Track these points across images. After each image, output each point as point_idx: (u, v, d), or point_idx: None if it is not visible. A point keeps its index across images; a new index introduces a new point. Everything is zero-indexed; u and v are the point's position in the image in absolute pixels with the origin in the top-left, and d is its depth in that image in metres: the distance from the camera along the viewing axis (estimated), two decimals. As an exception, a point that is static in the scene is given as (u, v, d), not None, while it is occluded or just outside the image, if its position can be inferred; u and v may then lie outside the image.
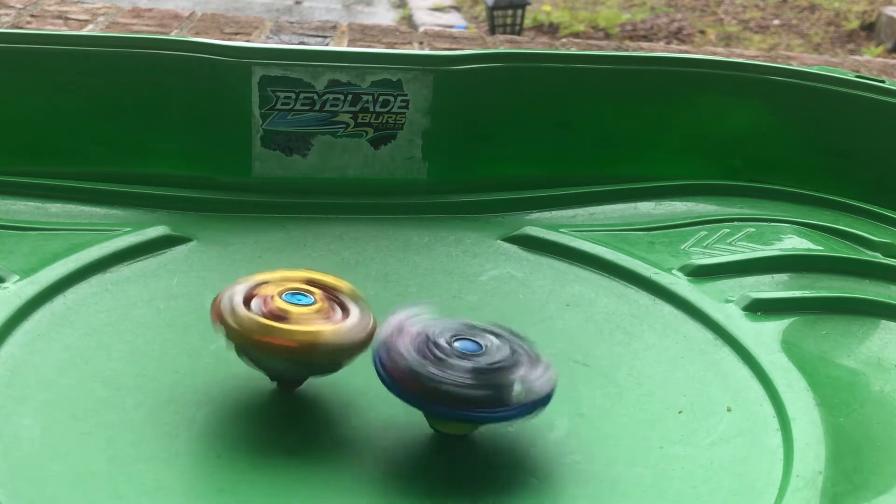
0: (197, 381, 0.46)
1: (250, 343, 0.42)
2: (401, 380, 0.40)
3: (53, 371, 0.45)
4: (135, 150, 0.65)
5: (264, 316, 0.42)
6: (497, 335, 0.42)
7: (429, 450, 0.42)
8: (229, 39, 1.07)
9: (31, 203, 0.60)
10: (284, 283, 0.44)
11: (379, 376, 0.41)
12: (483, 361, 0.40)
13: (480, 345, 0.41)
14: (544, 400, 0.41)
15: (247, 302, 0.43)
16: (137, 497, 0.38)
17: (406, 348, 0.40)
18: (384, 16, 3.71)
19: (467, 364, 0.40)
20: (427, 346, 0.41)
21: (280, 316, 0.42)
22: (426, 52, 0.74)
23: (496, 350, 0.41)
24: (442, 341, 0.41)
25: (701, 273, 0.58)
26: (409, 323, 0.42)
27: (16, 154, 0.63)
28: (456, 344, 0.41)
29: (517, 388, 0.40)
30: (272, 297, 0.43)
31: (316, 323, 0.42)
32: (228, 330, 0.42)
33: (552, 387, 0.41)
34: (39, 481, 0.38)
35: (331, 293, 0.45)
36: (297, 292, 0.44)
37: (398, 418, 0.43)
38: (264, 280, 0.44)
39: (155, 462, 0.40)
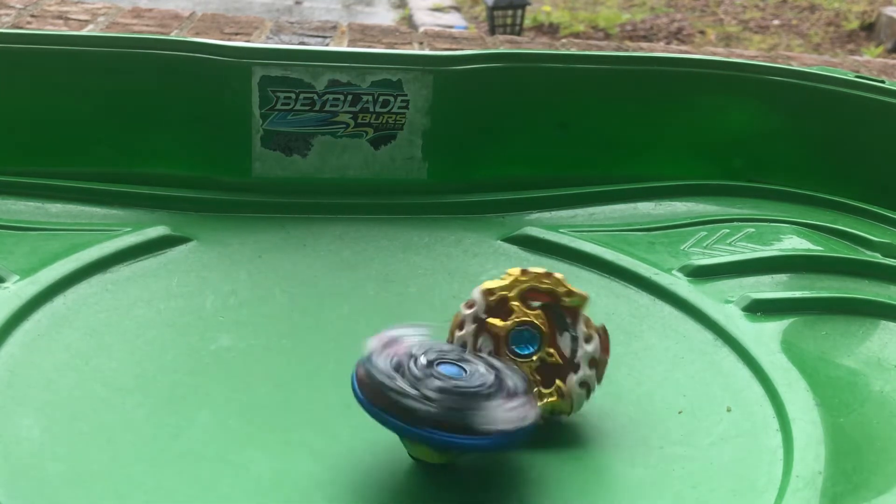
0: (197, 381, 0.46)
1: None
2: (368, 392, 0.39)
3: (53, 371, 0.45)
4: (135, 150, 0.65)
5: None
6: (490, 365, 0.40)
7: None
8: (229, 39, 1.07)
9: (31, 203, 0.60)
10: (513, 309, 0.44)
11: (352, 388, 0.39)
12: (454, 384, 0.38)
13: (465, 370, 0.40)
14: (510, 434, 0.38)
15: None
16: (137, 497, 0.38)
17: (384, 362, 0.39)
18: (384, 16, 3.71)
19: (438, 384, 0.38)
20: (406, 362, 0.39)
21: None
22: (426, 52, 0.74)
23: (478, 377, 0.39)
24: (423, 360, 0.39)
25: (701, 273, 0.58)
26: (400, 340, 0.41)
27: (16, 154, 0.63)
28: (440, 367, 0.39)
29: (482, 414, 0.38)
30: (503, 338, 0.43)
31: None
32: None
33: (520, 424, 0.38)
34: (39, 481, 0.38)
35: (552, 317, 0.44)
36: (523, 326, 0.44)
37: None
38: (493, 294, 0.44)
39: (155, 462, 0.40)
